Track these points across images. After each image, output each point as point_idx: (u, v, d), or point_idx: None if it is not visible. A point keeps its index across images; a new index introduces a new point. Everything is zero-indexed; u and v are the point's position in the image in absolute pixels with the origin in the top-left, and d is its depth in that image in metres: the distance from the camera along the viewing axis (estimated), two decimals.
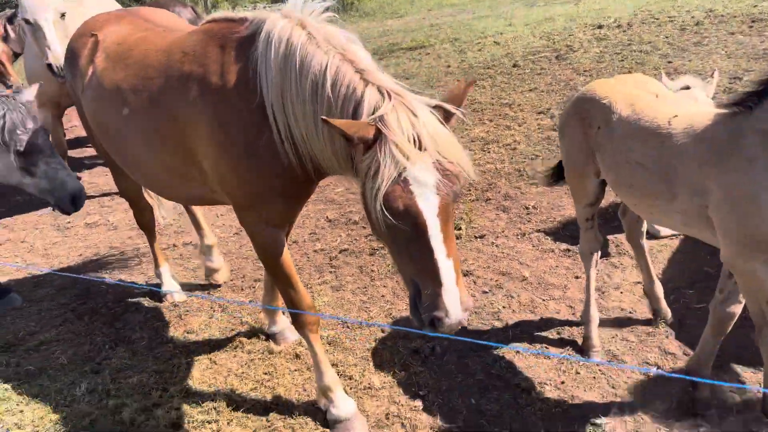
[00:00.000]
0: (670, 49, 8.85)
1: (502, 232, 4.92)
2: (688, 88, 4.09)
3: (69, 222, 6.40)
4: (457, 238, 4.86)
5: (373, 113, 2.26)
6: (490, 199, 5.50)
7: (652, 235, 4.46)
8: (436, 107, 2.31)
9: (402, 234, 2.18)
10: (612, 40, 9.97)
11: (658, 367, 3.28)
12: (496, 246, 4.71)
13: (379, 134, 2.18)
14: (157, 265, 4.58)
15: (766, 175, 2.24)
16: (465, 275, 4.38)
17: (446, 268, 2.15)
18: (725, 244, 2.43)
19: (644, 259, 3.58)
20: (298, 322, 3.09)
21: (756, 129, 2.29)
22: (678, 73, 7.80)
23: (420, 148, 2.16)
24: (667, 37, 9.45)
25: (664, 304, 3.60)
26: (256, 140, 2.68)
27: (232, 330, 4.09)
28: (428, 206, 2.13)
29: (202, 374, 3.66)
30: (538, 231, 4.85)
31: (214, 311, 4.35)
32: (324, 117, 2.21)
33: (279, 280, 3.02)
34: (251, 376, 3.61)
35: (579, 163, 3.14)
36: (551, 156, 6.15)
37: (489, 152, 6.57)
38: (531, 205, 5.26)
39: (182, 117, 2.89)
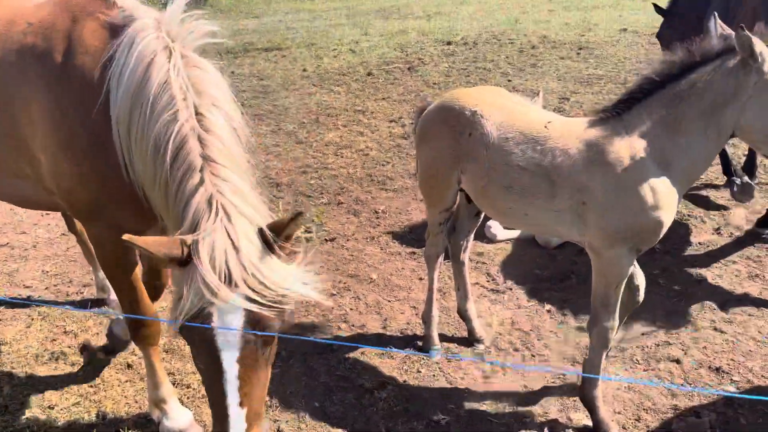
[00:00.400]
0: (510, 69, 9.55)
1: (352, 235, 4.96)
2: None
3: None
4: (307, 241, 4.82)
5: (194, 228, 2.02)
6: (341, 203, 5.53)
7: (489, 240, 4.74)
8: (270, 228, 2.02)
9: (200, 359, 2.00)
10: (459, 56, 10.55)
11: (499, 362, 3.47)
12: (346, 249, 4.73)
13: (190, 257, 1.93)
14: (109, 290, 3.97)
15: (639, 173, 2.57)
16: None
17: (236, 418, 1.94)
18: (598, 235, 2.68)
19: (463, 277, 3.60)
20: (139, 336, 2.83)
21: (624, 132, 2.64)
22: (515, 91, 8.43)
23: (231, 285, 1.90)
24: (507, 57, 10.18)
25: (477, 323, 3.65)
26: (102, 138, 2.38)
27: (54, 340, 3.69)
28: (228, 349, 1.92)
29: (14, 390, 3.25)
30: (387, 234, 4.95)
31: (32, 319, 3.89)
32: (127, 237, 1.89)
33: (123, 294, 2.74)
34: (74, 390, 3.27)
35: (443, 170, 3.14)
36: (401, 162, 6.33)
37: (342, 156, 6.61)
38: (380, 209, 5.36)
39: (18, 98, 2.50)
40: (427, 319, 3.55)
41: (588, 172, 2.65)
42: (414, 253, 4.64)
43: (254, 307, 1.89)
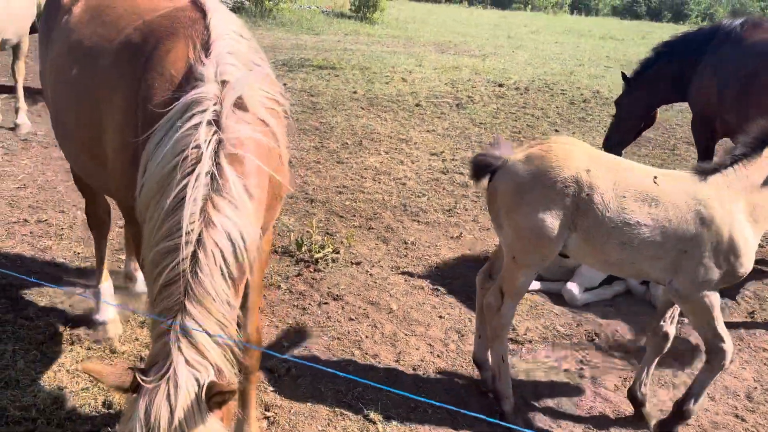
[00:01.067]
0: (558, 119, 9.53)
1: (378, 262, 4.95)
2: None
3: None
4: (334, 261, 4.83)
5: (151, 365, 1.97)
6: (372, 228, 5.54)
7: (567, 302, 4.61)
8: (212, 390, 1.94)
9: None
10: (509, 99, 10.57)
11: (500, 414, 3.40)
12: (370, 275, 4.72)
13: (137, 389, 1.90)
14: (98, 281, 3.89)
15: (739, 229, 2.96)
16: (335, 299, 4.34)
17: None
18: (688, 280, 3.00)
19: (486, 325, 3.44)
20: None
21: (726, 189, 3.01)
22: None
23: None
24: (557, 108, 10.17)
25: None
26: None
27: (74, 322, 3.75)
28: None
29: (27, 366, 3.30)
30: (413, 266, 4.93)
31: (57, 299, 3.96)
32: (81, 367, 1.96)
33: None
34: (85, 374, 3.30)
35: (553, 232, 3.03)
36: (437, 196, 6.33)
37: (379, 182, 6.64)
38: (410, 240, 5.35)
39: (106, 86, 2.55)
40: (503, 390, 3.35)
41: (696, 225, 2.96)
42: (437, 289, 4.61)
43: None
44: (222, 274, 2.07)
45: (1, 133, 7.05)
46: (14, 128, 7.08)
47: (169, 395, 1.89)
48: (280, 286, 4.42)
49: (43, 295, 3.99)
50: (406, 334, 4.04)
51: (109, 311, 3.69)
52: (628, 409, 3.51)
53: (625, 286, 4.75)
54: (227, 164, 2.12)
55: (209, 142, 2.11)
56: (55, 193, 5.62)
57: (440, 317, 4.27)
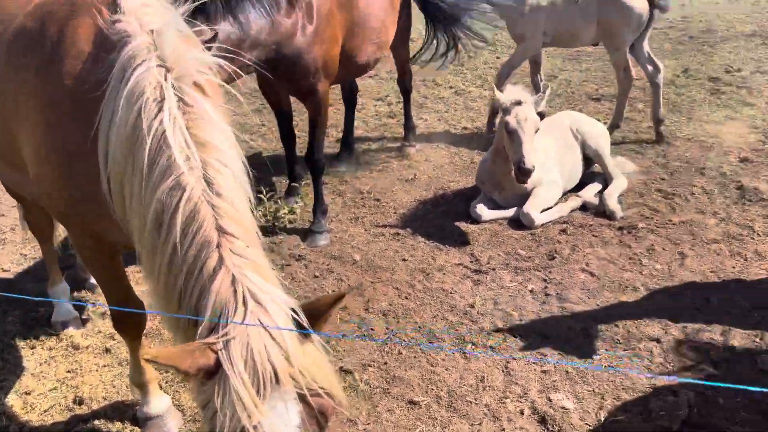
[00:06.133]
0: (498, 45, 9.42)
1: (336, 216, 4.92)
2: (520, 103, 4.35)
3: None
4: (291, 223, 4.78)
5: (217, 321, 1.69)
6: (326, 183, 5.45)
7: (474, 220, 4.71)
8: (307, 310, 1.74)
9: None
10: None
11: (474, 346, 3.46)
12: (330, 230, 4.69)
13: (220, 365, 1.62)
14: (51, 283, 3.70)
15: None
16: (297, 260, 4.31)
17: None
18: None
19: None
20: (123, 327, 2.76)
21: None
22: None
23: (276, 382, 1.63)
24: (496, 34, 10.05)
25: None
26: (86, 151, 2.14)
27: (30, 327, 3.65)
28: None
29: None
30: (371, 214, 4.91)
31: (9, 304, 3.84)
32: (149, 356, 1.61)
33: (108, 289, 2.66)
34: (51, 375, 3.24)
35: None
36: (387, 142, 6.27)
37: (328, 136, 6.53)
38: (365, 189, 5.32)
39: (13, 82, 2.34)
40: None
41: None
42: (398, 233, 4.61)
43: (313, 401, 1.65)
44: (241, 198, 1.89)
45: None
46: None
47: (267, 332, 1.64)
48: None
49: None
50: (372, 282, 4.05)
51: (65, 309, 3.60)
52: (593, 322, 3.61)
53: (581, 201, 4.83)
54: (191, 91, 1.97)
55: (165, 80, 1.95)
56: None
57: (403, 260, 4.28)
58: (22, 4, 2.45)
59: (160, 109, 1.91)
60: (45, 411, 3.01)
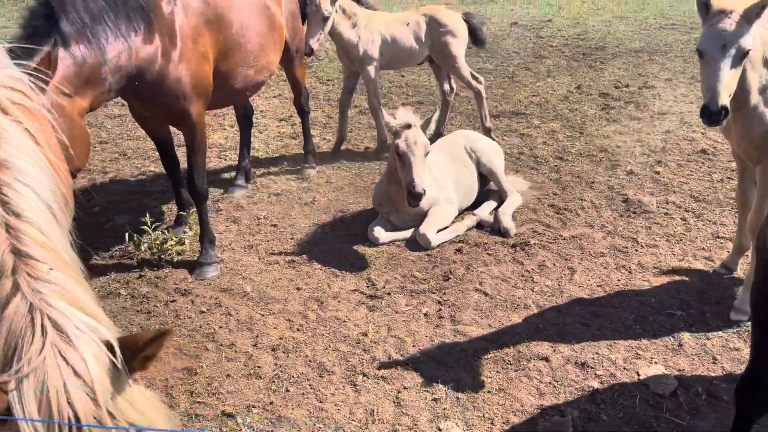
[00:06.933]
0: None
1: (230, 244, 4.71)
2: (409, 126, 4.33)
3: None
4: (179, 255, 4.53)
5: (10, 358, 1.46)
6: (221, 209, 5.26)
7: (372, 243, 4.64)
8: (123, 345, 1.54)
9: None
10: None
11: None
12: (221, 261, 4.48)
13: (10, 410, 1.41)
14: None
15: None
16: (183, 295, 4.08)
17: None
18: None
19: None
20: None
21: None
22: (407, 87, 8.40)
23: (78, 429, 1.42)
24: None
25: None
26: None
27: None
28: None
29: None
30: (266, 241, 4.75)
31: None
32: None
33: None
34: None
35: None
36: (289, 164, 6.13)
37: (225, 159, 6.33)
38: (262, 215, 5.14)
39: None
40: None
41: None
42: (294, 261, 4.46)
43: None
44: (47, 219, 1.69)
45: None
46: None
47: (66, 360, 1.43)
48: (120, 293, 4.09)
49: None
50: (262, 315, 3.88)
51: None
52: (485, 343, 3.60)
53: (476, 219, 4.86)
54: None
55: None
56: None
57: (297, 289, 4.14)
58: None
59: None
60: None
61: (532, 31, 11.20)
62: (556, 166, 5.83)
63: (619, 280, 4.12)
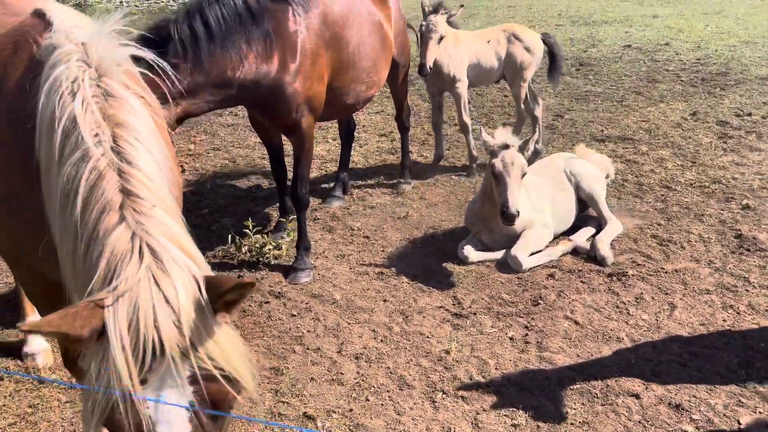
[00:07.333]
0: (504, 83, 9.41)
1: (323, 252, 4.87)
2: (507, 146, 4.31)
3: None
4: (276, 259, 4.74)
5: (109, 280, 1.54)
6: (317, 218, 5.45)
7: (461, 261, 4.62)
8: (208, 285, 1.57)
9: None
10: None
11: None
12: (314, 267, 4.64)
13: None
14: (23, 315, 3.65)
15: None
16: (276, 297, 4.26)
17: None
18: None
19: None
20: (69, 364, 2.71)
21: None
22: (509, 106, 8.31)
23: (161, 353, 1.46)
24: None
25: None
26: (20, 187, 2.12)
27: (2, 356, 3.64)
28: None
29: None
30: (358, 252, 4.86)
31: None
32: (26, 327, 1.44)
33: None
34: (13, 409, 3.21)
35: None
36: (385, 178, 6.25)
37: (325, 172, 6.55)
38: (356, 226, 5.27)
39: None
40: None
41: None
42: (382, 273, 4.54)
43: (211, 382, 1.48)
44: (156, 169, 1.80)
45: None
46: None
47: (159, 285, 1.49)
48: None
49: None
50: (349, 323, 3.97)
51: (37, 342, 3.58)
52: (572, 373, 3.48)
53: (572, 245, 4.72)
54: (113, 83, 1.90)
55: (84, 74, 1.89)
56: None
57: (384, 301, 4.20)
58: None
59: (74, 98, 1.86)
60: None
61: (646, 54, 10.74)
62: (662, 195, 5.55)
63: (724, 320, 3.85)
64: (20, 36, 2.28)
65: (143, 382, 1.44)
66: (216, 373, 1.50)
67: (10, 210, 2.23)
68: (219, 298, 1.53)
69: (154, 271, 1.53)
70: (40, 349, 3.58)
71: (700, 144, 6.69)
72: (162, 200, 1.75)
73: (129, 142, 1.81)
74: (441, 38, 5.64)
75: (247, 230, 4.69)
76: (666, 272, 4.37)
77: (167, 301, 1.49)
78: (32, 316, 3.69)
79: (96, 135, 1.79)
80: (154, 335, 1.44)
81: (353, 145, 6.29)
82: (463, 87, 6.09)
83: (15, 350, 3.66)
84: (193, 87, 3.69)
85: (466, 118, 6.16)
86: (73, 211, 1.71)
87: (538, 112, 6.44)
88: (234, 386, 1.54)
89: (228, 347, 1.55)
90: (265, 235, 4.92)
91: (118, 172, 1.73)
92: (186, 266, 1.58)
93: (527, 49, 6.17)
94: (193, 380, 1.48)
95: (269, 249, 4.73)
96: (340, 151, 6.06)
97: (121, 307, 1.46)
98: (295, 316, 4.06)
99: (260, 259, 4.69)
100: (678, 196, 5.51)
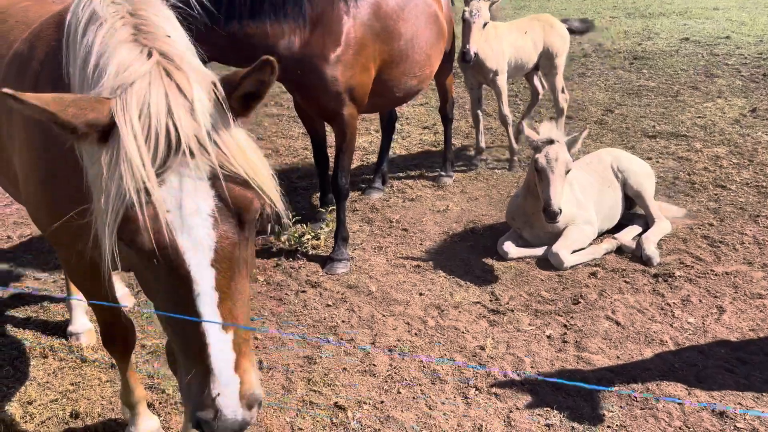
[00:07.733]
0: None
1: (361, 244, 4.86)
2: (552, 142, 4.20)
3: None
4: (314, 249, 4.76)
5: (120, 75, 1.45)
6: (357, 209, 5.44)
7: (501, 257, 4.54)
8: (223, 83, 1.46)
9: (153, 282, 1.46)
10: None
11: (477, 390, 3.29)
12: (352, 258, 4.63)
13: (114, 122, 1.36)
14: (69, 292, 3.71)
15: None
16: (313, 287, 4.28)
17: (218, 346, 1.40)
18: None
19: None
20: (111, 342, 2.73)
21: None
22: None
23: (176, 146, 1.34)
24: None
25: None
26: (64, 166, 2.04)
27: (49, 334, 3.77)
28: (194, 249, 1.36)
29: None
30: (396, 245, 4.83)
31: (32, 311, 4.00)
32: (7, 90, 1.31)
33: (94, 307, 2.70)
34: (55, 386, 3.32)
35: None
36: (426, 171, 6.19)
37: (367, 163, 6.54)
38: (395, 218, 5.25)
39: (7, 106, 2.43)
40: None
41: None
42: (419, 266, 4.50)
43: (233, 185, 1.38)
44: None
45: None
46: None
47: (172, 77, 1.39)
48: (257, 278, 4.38)
49: (20, 310, 4.02)
50: (383, 315, 3.96)
51: (81, 322, 3.70)
52: (611, 375, 3.37)
53: (616, 243, 4.57)
54: (147, 14, 1.70)
55: (122, 7, 1.71)
56: None
57: (420, 294, 4.17)
58: (22, 30, 2.54)
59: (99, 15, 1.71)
60: (42, 422, 3.07)
61: (705, 48, 10.31)
62: (716, 194, 5.32)
63: None
64: (63, 18, 2.32)
65: (160, 183, 1.33)
66: (240, 171, 1.39)
67: (53, 190, 2.27)
68: (235, 91, 1.43)
69: (165, 65, 1.44)
70: (84, 329, 3.70)
71: (758, 142, 6.38)
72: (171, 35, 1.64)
73: (148, 15, 1.70)
74: (485, 24, 5.55)
75: (287, 220, 4.71)
76: (716, 274, 4.19)
77: (180, 90, 1.40)
78: (77, 294, 3.81)
79: (116, 12, 1.69)
80: (169, 122, 1.35)
81: (395, 137, 6.25)
82: (503, 80, 5.97)
83: (60, 329, 3.80)
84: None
85: (507, 111, 6.04)
86: (86, 66, 1.62)
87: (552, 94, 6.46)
88: (256, 194, 1.44)
89: (247, 149, 1.46)
90: (304, 225, 4.95)
91: (133, 26, 1.63)
92: (199, 66, 1.50)
93: (562, 38, 6.23)
94: (213, 180, 1.37)
95: (308, 239, 4.76)
96: (380, 142, 6.03)
97: (130, 96, 1.37)
98: (330, 306, 4.07)
99: (298, 248, 4.71)
100: (732, 196, 5.27)
